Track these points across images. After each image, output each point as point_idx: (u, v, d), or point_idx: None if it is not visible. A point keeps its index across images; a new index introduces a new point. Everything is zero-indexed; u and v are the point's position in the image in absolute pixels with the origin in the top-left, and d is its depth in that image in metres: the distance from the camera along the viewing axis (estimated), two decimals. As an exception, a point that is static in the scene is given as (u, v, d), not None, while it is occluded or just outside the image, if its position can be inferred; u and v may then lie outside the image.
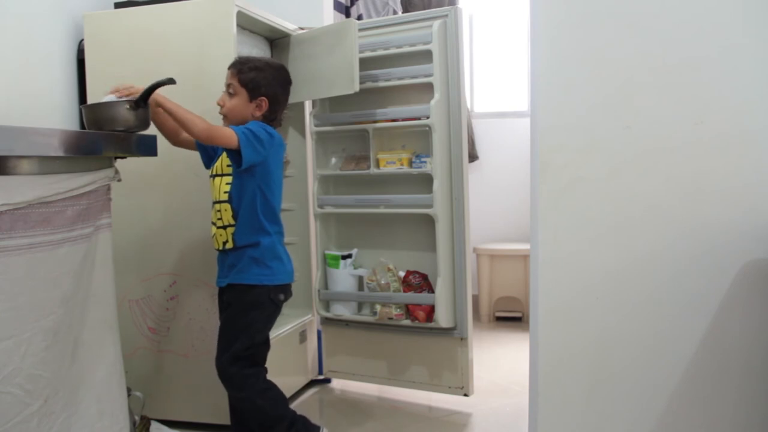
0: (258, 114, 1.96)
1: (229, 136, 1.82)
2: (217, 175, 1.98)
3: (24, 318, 1.31)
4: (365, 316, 2.63)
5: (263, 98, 1.95)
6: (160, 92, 1.77)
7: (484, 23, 4.35)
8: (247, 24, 2.41)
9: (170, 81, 1.72)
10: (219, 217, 1.96)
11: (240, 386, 1.92)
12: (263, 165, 1.90)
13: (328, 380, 2.84)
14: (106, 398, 1.55)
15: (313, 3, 3.07)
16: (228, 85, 1.97)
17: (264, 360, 1.98)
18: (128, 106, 1.66)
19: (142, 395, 2.01)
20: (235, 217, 1.92)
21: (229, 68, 1.99)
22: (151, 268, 2.33)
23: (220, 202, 1.95)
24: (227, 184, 1.94)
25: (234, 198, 1.92)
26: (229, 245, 1.94)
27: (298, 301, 2.82)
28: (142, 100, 1.69)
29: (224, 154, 1.95)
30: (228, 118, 1.97)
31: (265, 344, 1.98)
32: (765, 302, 1.56)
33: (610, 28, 1.62)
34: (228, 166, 1.94)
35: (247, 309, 1.93)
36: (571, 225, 1.67)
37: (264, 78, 1.95)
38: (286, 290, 2.00)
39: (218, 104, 1.98)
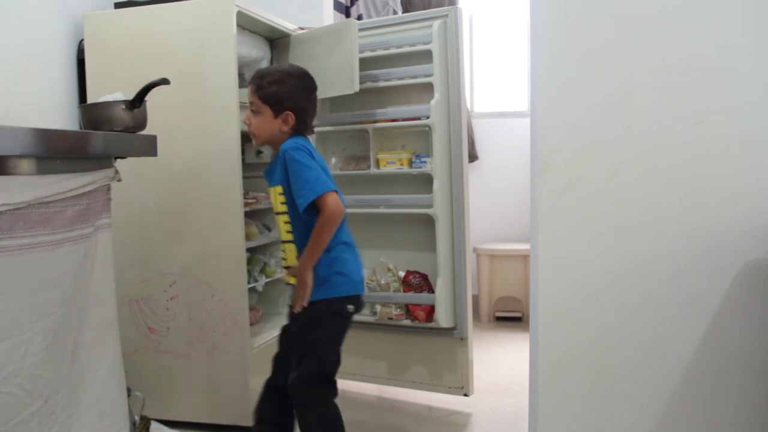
0: (285, 128, 1.82)
1: (331, 214, 1.72)
2: (277, 213, 1.87)
3: (24, 318, 1.31)
4: (365, 316, 2.63)
5: (288, 112, 1.81)
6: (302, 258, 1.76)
7: (484, 23, 4.35)
8: (247, 24, 2.41)
9: (164, 81, 1.72)
10: (284, 257, 1.87)
11: (304, 406, 1.83)
12: None
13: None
14: (106, 398, 1.55)
15: (313, 3, 3.07)
16: (251, 103, 1.85)
17: (333, 375, 1.84)
18: (124, 106, 1.66)
19: (142, 395, 2.01)
20: (300, 253, 1.82)
21: (249, 84, 1.87)
22: (151, 268, 2.33)
23: (284, 242, 1.87)
24: (286, 223, 1.83)
25: (297, 238, 1.82)
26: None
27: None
28: (138, 101, 1.69)
29: (273, 189, 1.85)
30: (257, 137, 1.86)
31: (337, 364, 1.84)
32: (765, 302, 1.56)
33: (610, 28, 1.62)
34: (282, 203, 1.82)
35: (308, 328, 1.81)
36: (571, 225, 1.67)
37: (286, 91, 1.81)
38: (353, 301, 1.83)
39: (245, 123, 1.88)
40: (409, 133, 2.59)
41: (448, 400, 2.59)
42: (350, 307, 1.83)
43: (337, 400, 2.38)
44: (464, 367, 2.52)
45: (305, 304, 1.78)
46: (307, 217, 1.76)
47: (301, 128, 1.86)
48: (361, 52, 2.44)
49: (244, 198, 2.33)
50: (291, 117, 1.81)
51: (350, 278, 1.83)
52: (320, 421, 1.81)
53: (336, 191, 1.75)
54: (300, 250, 1.81)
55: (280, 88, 1.81)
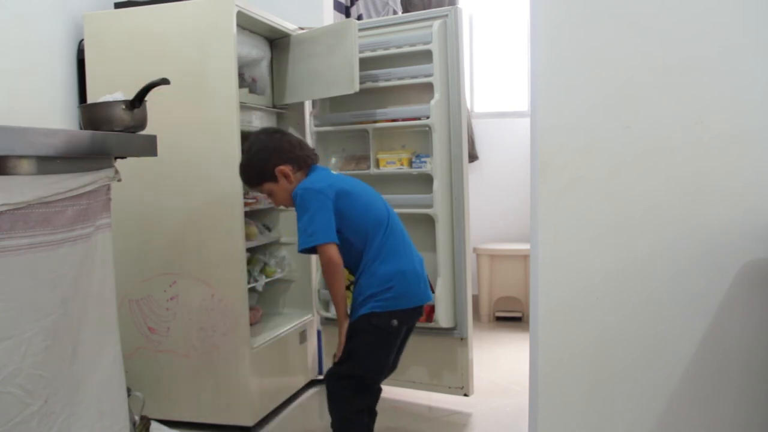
0: (292, 180, 1.94)
1: (326, 266, 1.86)
2: None
3: (24, 318, 1.31)
4: (365, 316, 2.63)
5: (277, 171, 1.94)
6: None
7: (484, 23, 4.35)
8: (247, 24, 2.41)
9: (164, 81, 1.72)
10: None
11: (332, 401, 1.94)
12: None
13: (328, 380, 2.84)
14: (106, 398, 1.55)
15: (313, 3, 3.07)
16: (262, 194, 2.09)
17: (369, 388, 1.97)
18: (124, 106, 1.66)
19: (142, 395, 2.01)
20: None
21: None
22: (151, 268, 2.33)
23: None
24: None
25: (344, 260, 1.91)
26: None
27: (298, 301, 2.83)
28: (138, 101, 1.69)
29: None
30: (286, 205, 2.00)
31: (373, 372, 1.94)
32: (765, 302, 1.56)
33: (610, 28, 1.62)
34: None
35: (350, 338, 1.89)
36: (571, 225, 1.67)
37: (261, 163, 1.94)
38: (396, 316, 1.88)
39: (271, 203, 2.11)
40: (409, 133, 2.59)
41: (448, 400, 2.59)
42: (394, 322, 1.88)
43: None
44: (464, 367, 2.52)
45: (339, 353, 1.91)
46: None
47: (302, 165, 1.96)
48: (361, 52, 2.44)
49: (244, 198, 2.33)
50: (281, 171, 1.94)
51: (391, 293, 1.87)
52: (346, 420, 1.93)
53: (334, 243, 1.84)
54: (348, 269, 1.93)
55: (257, 165, 1.95)
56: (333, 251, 1.84)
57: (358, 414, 1.93)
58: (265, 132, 2.07)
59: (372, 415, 2.01)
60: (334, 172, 2.10)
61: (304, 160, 1.97)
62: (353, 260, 1.90)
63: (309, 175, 1.97)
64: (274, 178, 1.95)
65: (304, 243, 1.86)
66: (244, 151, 2.05)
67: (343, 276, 1.88)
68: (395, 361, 2.01)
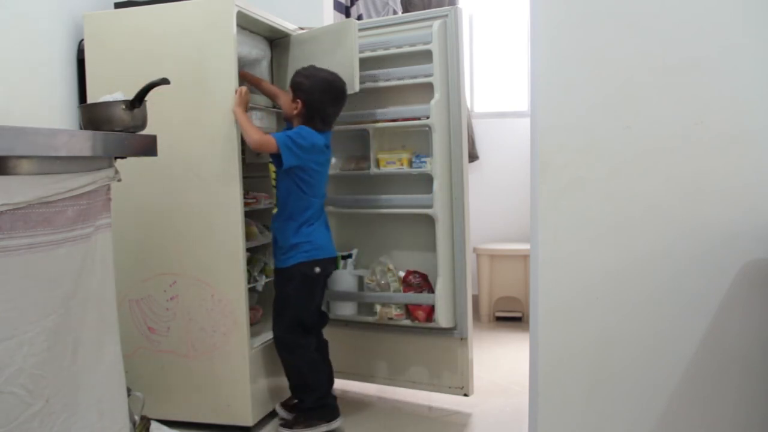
0: (295, 113, 2.24)
1: (272, 145, 2.17)
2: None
3: (25, 318, 1.31)
4: (365, 316, 2.63)
5: (299, 101, 2.22)
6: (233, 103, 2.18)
7: (484, 23, 4.35)
8: (247, 24, 2.41)
9: (164, 81, 1.72)
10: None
11: (289, 353, 2.28)
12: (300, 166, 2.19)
13: (328, 380, 2.85)
14: (106, 398, 1.55)
15: (313, 3, 3.07)
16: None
17: (315, 329, 2.35)
18: (124, 106, 1.66)
19: (142, 395, 2.01)
20: (277, 206, 2.30)
21: None
22: (151, 268, 2.33)
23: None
24: (273, 179, 2.34)
25: (278, 190, 2.29)
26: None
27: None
28: (138, 101, 1.69)
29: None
30: (283, 111, 2.35)
31: (313, 315, 2.32)
32: (765, 302, 1.56)
33: (610, 28, 1.62)
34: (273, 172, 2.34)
35: (283, 287, 2.28)
36: (571, 225, 1.67)
37: (306, 84, 2.22)
38: (320, 264, 2.26)
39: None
40: (409, 133, 2.59)
41: (448, 400, 2.59)
42: (316, 269, 2.25)
43: (338, 400, 2.39)
44: (464, 367, 2.52)
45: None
46: (283, 174, 2.23)
47: (311, 121, 2.24)
48: (361, 52, 2.44)
49: (244, 198, 2.33)
50: (299, 105, 2.23)
51: (315, 244, 2.25)
52: (300, 366, 2.29)
53: (276, 140, 2.16)
54: (278, 202, 2.30)
55: (305, 80, 2.23)
56: (271, 143, 2.16)
57: (314, 361, 2.29)
58: (335, 88, 2.26)
59: (321, 345, 2.39)
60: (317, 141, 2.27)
61: (315, 122, 2.24)
62: (294, 205, 2.23)
63: (308, 125, 2.23)
64: (294, 96, 2.24)
65: (279, 138, 2.18)
66: (317, 68, 2.29)
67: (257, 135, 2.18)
68: (320, 302, 2.40)
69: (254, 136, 2.16)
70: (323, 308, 2.54)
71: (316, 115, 2.23)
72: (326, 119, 2.26)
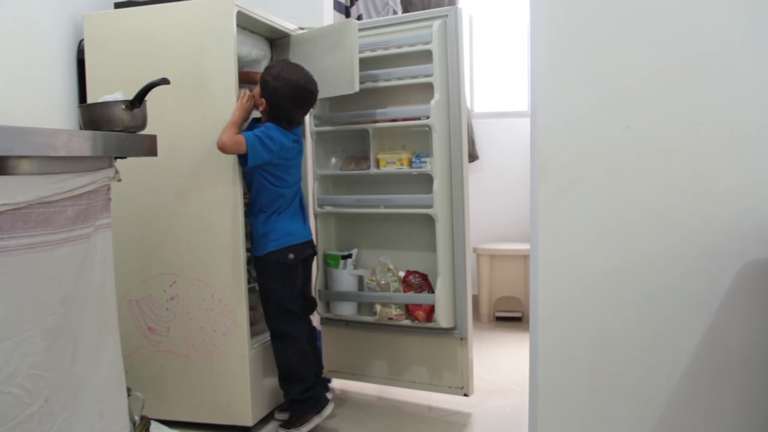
0: (261, 109, 2.26)
1: (242, 147, 2.15)
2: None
3: (24, 318, 1.31)
4: (365, 316, 2.63)
5: (263, 99, 2.23)
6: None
7: (484, 23, 4.35)
8: (247, 24, 2.41)
9: (164, 81, 1.72)
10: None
11: (283, 343, 2.30)
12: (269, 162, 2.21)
13: (328, 380, 2.84)
14: (106, 398, 1.55)
15: (313, 3, 3.07)
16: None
17: (304, 314, 2.40)
18: (124, 106, 1.66)
19: (142, 395, 2.01)
20: (249, 199, 2.32)
21: None
22: (151, 268, 2.33)
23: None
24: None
25: (249, 183, 2.30)
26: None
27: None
28: (138, 101, 1.69)
29: None
30: (255, 102, 2.29)
31: (296, 300, 2.34)
32: (765, 302, 1.56)
33: (609, 28, 1.62)
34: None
35: (261, 276, 2.32)
36: (571, 225, 1.67)
37: (271, 85, 2.20)
38: (293, 250, 2.29)
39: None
40: (409, 133, 2.59)
41: (448, 400, 2.59)
42: (290, 256, 2.28)
43: (338, 400, 2.40)
44: (464, 367, 2.52)
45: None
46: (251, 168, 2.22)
47: (277, 121, 2.24)
48: (361, 52, 2.44)
49: (244, 198, 2.33)
50: (263, 103, 2.24)
51: (285, 230, 2.29)
52: (290, 355, 2.30)
53: (246, 142, 2.15)
54: (249, 194, 2.33)
55: (269, 81, 2.21)
56: (241, 145, 2.14)
57: (304, 352, 2.32)
58: (302, 88, 2.23)
59: (312, 334, 2.42)
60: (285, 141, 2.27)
61: (279, 121, 2.24)
62: (264, 198, 2.26)
63: (275, 123, 2.24)
64: (261, 93, 2.23)
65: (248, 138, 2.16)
66: (286, 66, 2.27)
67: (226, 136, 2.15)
68: (305, 286, 2.44)
69: (223, 136, 2.14)
70: (322, 304, 2.56)
71: (281, 116, 2.24)
72: (292, 120, 2.27)
